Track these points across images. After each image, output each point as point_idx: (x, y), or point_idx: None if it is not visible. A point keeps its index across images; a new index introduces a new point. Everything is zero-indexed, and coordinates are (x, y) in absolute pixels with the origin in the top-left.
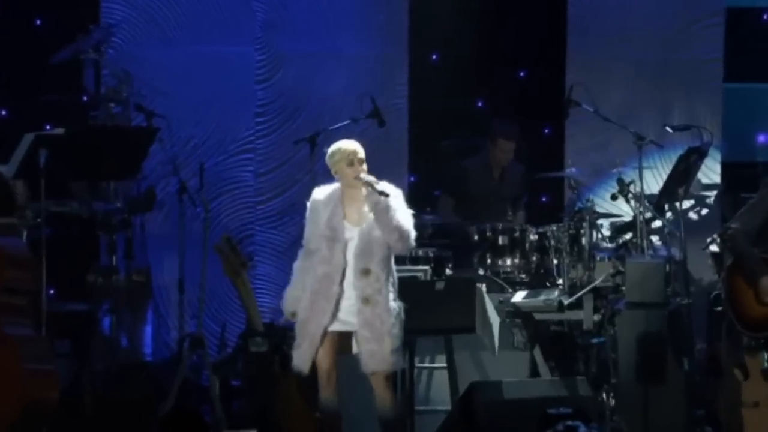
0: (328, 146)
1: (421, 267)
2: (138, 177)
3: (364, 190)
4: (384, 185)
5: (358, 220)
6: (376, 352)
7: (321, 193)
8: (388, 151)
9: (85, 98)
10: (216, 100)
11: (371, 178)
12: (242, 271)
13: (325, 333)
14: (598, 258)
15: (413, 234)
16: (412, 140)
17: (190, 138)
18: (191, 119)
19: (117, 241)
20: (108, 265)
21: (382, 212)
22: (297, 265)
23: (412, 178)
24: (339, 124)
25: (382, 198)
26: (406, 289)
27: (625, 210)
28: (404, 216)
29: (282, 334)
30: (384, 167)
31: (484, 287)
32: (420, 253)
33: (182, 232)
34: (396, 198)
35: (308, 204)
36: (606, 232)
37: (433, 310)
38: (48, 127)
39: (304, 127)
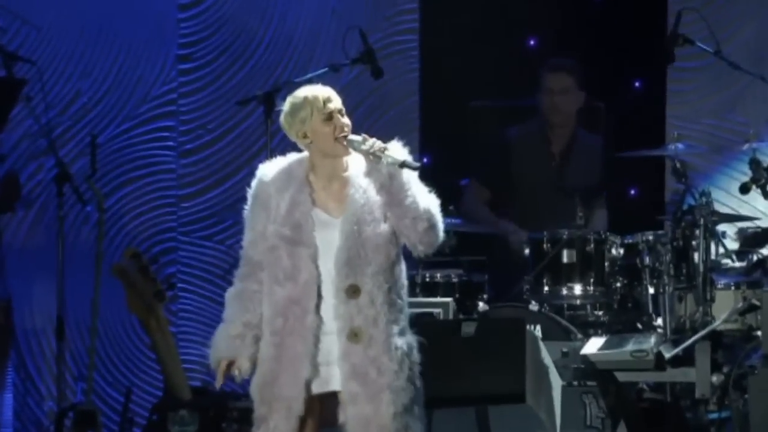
0: None
1: (440, 299)
2: None
3: (362, 161)
4: (397, 149)
5: (338, 208)
6: (371, 418)
7: (272, 169)
8: (387, 116)
9: None
10: (116, 38)
11: (378, 144)
12: (157, 305)
13: (308, 392)
14: (719, 285)
15: (441, 221)
16: (425, 100)
17: (74, 96)
18: (76, 67)
19: None
20: None
21: (401, 191)
22: (232, 291)
23: (425, 160)
24: (310, 75)
25: (404, 171)
26: (418, 334)
27: (761, 209)
28: (425, 192)
29: (219, 405)
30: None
31: (538, 331)
32: (438, 277)
33: (62, 244)
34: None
35: (251, 189)
36: (732, 245)
37: (458, 367)
38: None
39: (254, 80)
